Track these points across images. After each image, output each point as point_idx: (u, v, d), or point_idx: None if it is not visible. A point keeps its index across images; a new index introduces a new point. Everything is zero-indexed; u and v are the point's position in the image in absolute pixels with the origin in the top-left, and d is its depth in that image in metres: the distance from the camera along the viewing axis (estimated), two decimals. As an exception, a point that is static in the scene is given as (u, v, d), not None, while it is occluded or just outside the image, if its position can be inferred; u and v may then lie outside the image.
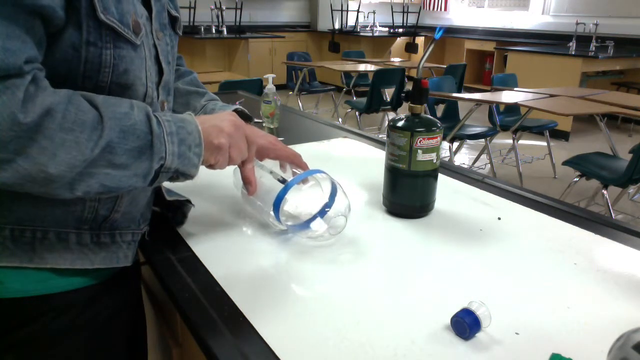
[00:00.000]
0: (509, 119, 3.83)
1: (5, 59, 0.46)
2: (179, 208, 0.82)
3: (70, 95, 0.52)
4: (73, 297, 0.64)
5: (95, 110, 0.53)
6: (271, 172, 0.82)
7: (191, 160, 0.62)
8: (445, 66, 5.08)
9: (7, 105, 0.46)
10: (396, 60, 6.18)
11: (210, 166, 0.69)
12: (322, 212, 0.79)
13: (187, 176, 0.64)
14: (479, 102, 3.49)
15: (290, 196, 0.76)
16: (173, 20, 0.73)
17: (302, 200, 0.81)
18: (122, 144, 0.54)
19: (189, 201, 0.82)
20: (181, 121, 0.61)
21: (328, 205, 0.79)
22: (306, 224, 0.80)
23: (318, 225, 0.79)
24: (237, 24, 6.87)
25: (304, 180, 0.80)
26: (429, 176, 0.87)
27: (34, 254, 0.60)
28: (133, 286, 0.76)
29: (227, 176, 0.90)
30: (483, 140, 3.75)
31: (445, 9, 8.38)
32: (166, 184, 0.80)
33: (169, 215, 0.83)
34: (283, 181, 0.79)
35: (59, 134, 0.49)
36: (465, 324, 0.57)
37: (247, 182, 0.76)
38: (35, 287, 0.61)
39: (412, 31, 7.95)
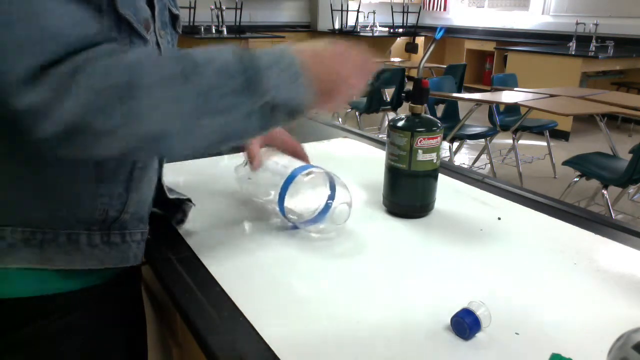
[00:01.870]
0: (509, 119, 3.83)
1: (82, 32, 0.48)
2: (179, 207, 0.82)
3: (152, 51, 0.52)
4: (76, 297, 0.64)
5: (182, 59, 0.52)
6: (277, 164, 0.82)
7: (296, 91, 0.56)
8: (445, 66, 5.08)
9: (98, 72, 0.46)
10: (396, 60, 6.17)
11: (328, 101, 0.61)
12: (326, 205, 0.80)
13: (297, 112, 0.57)
14: (479, 102, 3.49)
15: (293, 192, 0.76)
16: (174, 19, 0.73)
17: (305, 196, 0.81)
18: (219, 88, 0.52)
19: (189, 200, 0.83)
20: (276, 53, 0.56)
21: (331, 197, 0.80)
22: (311, 218, 0.80)
23: (323, 219, 0.79)
24: (237, 24, 6.87)
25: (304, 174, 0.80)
26: (429, 176, 0.87)
27: (44, 256, 0.60)
28: (134, 286, 0.76)
29: (227, 175, 0.91)
30: (483, 140, 3.75)
31: (445, 9, 8.38)
32: (167, 183, 0.80)
33: (169, 214, 0.83)
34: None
35: (155, 90, 0.49)
36: (465, 324, 0.57)
37: (252, 158, 0.76)
38: (41, 287, 0.61)
39: (412, 31, 7.95)
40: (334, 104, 0.62)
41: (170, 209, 0.82)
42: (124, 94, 0.47)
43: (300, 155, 0.86)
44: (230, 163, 0.79)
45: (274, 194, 0.79)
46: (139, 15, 0.59)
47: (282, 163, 0.82)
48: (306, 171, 0.79)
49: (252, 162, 0.80)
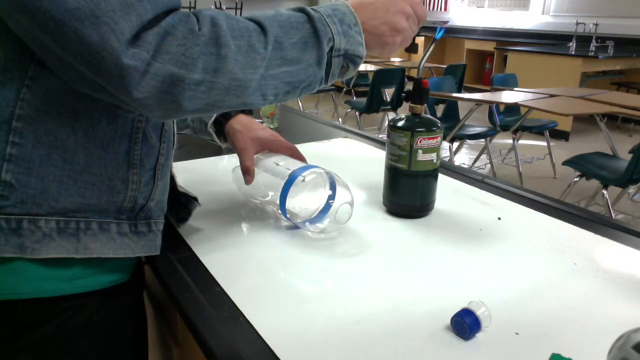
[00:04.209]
0: (509, 119, 3.83)
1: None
2: (185, 205, 0.82)
3: (221, 11, 0.55)
4: (87, 298, 0.64)
5: (250, 19, 0.57)
6: (278, 165, 0.82)
7: (355, 38, 0.62)
8: (445, 66, 5.07)
9: (186, 29, 0.50)
10: (396, 60, 6.17)
11: (382, 49, 0.66)
12: (327, 205, 0.80)
13: (357, 59, 0.63)
14: (479, 102, 3.49)
15: (294, 192, 0.76)
16: None
17: (306, 196, 0.81)
18: (287, 38, 0.57)
19: (196, 199, 0.83)
20: (332, 5, 0.62)
21: (332, 197, 0.80)
22: (312, 218, 0.80)
23: (324, 218, 0.79)
24: (237, 24, 6.86)
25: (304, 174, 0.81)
26: (429, 176, 0.87)
27: (79, 245, 0.60)
28: (140, 286, 0.76)
29: (227, 175, 0.91)
30: (483, 140, 3.75)
31: (445, 9, 8.38)
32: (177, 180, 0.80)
33: (172, 212, 0.83)
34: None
35: (233, 41, 0.53)
36: (465, 324, 0.57)
37: (247, 172, 0.78)
38: (62, 287, 0.61)
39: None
40: (388, 50, 0.67)
41: (174, 206, 0.82)
42: (210, 46, 0.51)
43: (296, 157, 0.87)
44: (229, 164, 0.79)
45: (273, 195, 0.79)
46: None
47: (281, 164, 0.82)
48: (307, 171, 0.79)
49: (246, 175, 0.81)
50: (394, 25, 0.65)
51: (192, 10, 0.54)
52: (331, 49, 0.60)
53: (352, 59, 0.63)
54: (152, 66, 0.49)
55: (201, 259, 0.73)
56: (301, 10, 0.59)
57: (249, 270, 0.71)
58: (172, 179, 0.78)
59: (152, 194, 0.67)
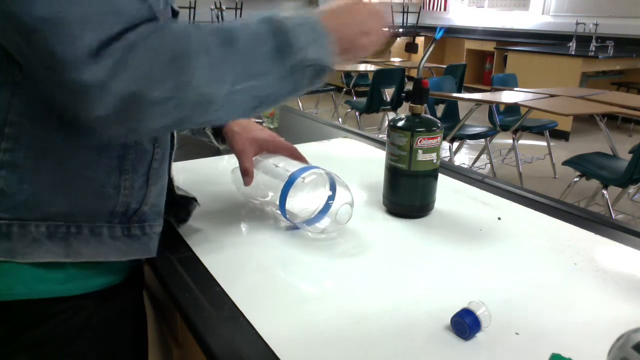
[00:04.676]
0: (509, 119, 3.83)
1: (141, 7, 0.50)
2: (184, 206, 0.82)
3: (190, 24, 0.54)
4: (85, 298, 0.64)
5: (217, 31, 0.55)
6: (277, 166, 0.82)
7: (324, 48, 0.59)
8: (445, 66, 5.08)
9: (155, 43, 0.49)
10: (396, 60, 6.17)
11: (351, 56, 0.65)
12: (327, 205, 0.80)
13: (326, 69, 0.60)
14: (479, 102, 3.49)
15: (293, 193, 0.76)
16: (174, 15, 0.73)
17: (305, 196, 0.81)
18: (254, 52, 0.55)
19: (195, 199, 0.83)
20: (301, 15, 0.60)
21: (331, 197, 0.80)
22: (312, 219, 0.80)
23: (324, 219, 0.79)
24: (237, 24, 6.86)
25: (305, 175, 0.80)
26: (429, 176, 0.87)
27: (69, 249, 0.60)
28: (139, 286, 0.76)
29: (227, 175, 0.91)
30: (483, 140, 3.75)
31: (445, 9, 8.38)
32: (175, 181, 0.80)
33: (172, 213, 0.83)
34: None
35: (200, 57, 0.51)
36: (465, 324, 0.57)
37: (246, 173, 0.78)
38: (56, 288, 0.61)
39: (412, 31, 7.95)
40: (356, 57, 0.65)
41: (174, 207, 0.82)
42: (174, 63, 0.50)
43: (296, 157, 0.87)
44: (229, 164, 0.79)
45: (272, 195, 0.79)
46: (155, 4, 0.59)
47: (281, 165, 0.82)
48: (307, 172, 0.79)
49: (245, 177, 0.80)
50: (361, 30, 0.63)
51: (159, 22, 0.52)
52: (301, 60, 0.57)
53: (321, 69, 0.60)
54: (114, 82, 0.47)
55: (201, 259, 0.73)
56: (271, 20, 0.57)
57: (249, 270, 0.71)
58: (170, 181, 0.78)
59: (145, 198, 0.66)
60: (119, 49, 0.47)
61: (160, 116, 0.51)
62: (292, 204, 0.79)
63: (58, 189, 0.58)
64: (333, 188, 0.80)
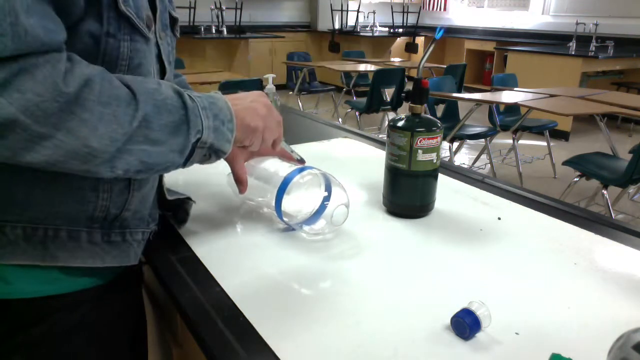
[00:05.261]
0: (509, 119, 3.83)
1: (46, 35, 0.47)
2: (181, 207, 0.82)
3: (103, 70, 0.52)
4: (80, 297, 0.64)
5: (126, 86, 0.54)
6: (270, 170, 0.82)
7: (225, 135, 0.63)
8: (445, 66, 5.08)
9: (50, 75, 0.47)
10: (396, 60, 6.17)
11: (244, 147, 0.71)
12: (322, 206, 0.79)
13: (220, 153, 0.64)
14: (479, 102, 3.49)
15: (288, 195, 0.76)
16: (173, 22, 0.73)
17: (301, 197, 0.81)
18: (157, 119, 0.55)
19: (189, 198, 0.82)
20: (211, 97, 0.63)
21: (327, 198, 0.79)
22: (308, 220, 0.80)
23: (320, 220, 0.79)
24: (237, 24, 6.87)
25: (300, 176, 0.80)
26: (429, 176, 0.87)
27: (46, 253, 0.60)
28: (136, 286, 0.76)
29: (225, 176, 0.90)
30: (483, 140, 3.75)
31: (445, 9, 8.38)
32: (167, 183, 0.80)
33: (170, 214, 0.83)
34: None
35: (98, 107, 0.50)
36: (465, 324, 0.57)
37: (239, 182, 0.77)
38: (43, 288, 0.61)
39: (412, 31, 7.95)
40: (252, 146, 0.71)
41: (173, 208, 0.82)
42: (67, 104, 0.48)
43: (288, 158, 0.86)
44: (228, 165, 0.79)
45: (269, 197, 0.79)
46: (141, 13, 0.59)
47: (274, 168, 0.82)
48: (303, 173, 0.78)
49: (239, 185, 0.79)
50: (262, 124, 0.69)
51: (124, 42, 0.52)
52: (197, 140, 0.60)
53: (216, 152, 0.64)
54: None
55: (201, 259, 0.73)
56: (180, 95, 0.58)
57: (249, 271, 0.71)
58: (161, 187, 0.78)
59: (127, 204, 0.65)
60: (11, 68, 0.45)
61: (35, 152, 0.48)
62: (287, 205, 0.78)
63: (35, 191, 0.57)
64: (329, 189, 0.80)
